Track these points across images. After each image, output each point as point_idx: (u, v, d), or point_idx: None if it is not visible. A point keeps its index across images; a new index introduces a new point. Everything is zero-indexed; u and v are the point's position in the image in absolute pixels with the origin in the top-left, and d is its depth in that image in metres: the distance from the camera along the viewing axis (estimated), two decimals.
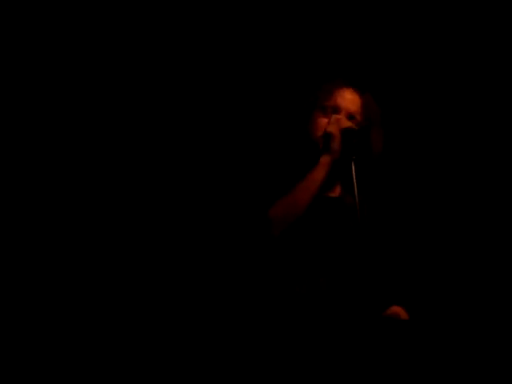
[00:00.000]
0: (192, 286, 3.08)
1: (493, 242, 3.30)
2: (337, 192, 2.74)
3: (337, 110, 2.68)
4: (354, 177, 2.53)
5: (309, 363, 2.40)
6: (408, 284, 2.67)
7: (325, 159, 2.61)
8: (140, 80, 3.25)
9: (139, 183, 3.18)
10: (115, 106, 3.21)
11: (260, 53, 3.34)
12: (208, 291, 3.05)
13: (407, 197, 3.27)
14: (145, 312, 3.05)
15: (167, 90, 3.29)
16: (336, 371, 2.39)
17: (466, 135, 3.39)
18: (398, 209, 2.83)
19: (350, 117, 2.68)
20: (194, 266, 3.13)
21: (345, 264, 2.59)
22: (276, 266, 2.56)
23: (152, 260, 3.12)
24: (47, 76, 3.16)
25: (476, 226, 3.32)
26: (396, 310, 2.59)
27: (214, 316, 2.91)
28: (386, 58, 3.40)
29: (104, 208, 3.13)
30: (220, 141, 3.28)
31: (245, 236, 2.58)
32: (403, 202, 3.12)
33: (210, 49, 3.31)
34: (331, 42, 3.37)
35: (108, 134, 3.19)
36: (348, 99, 2.72)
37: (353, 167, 2.55)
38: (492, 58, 3.37)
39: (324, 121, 2.68)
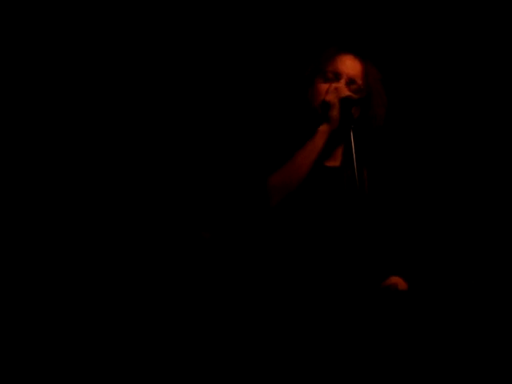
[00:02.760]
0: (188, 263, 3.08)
1: (494, 213, 3.29)
2: (337, 162, 2.71)
3: (337, 75, 2.66)
4: (353, 146, 2.50)
5: (306, 335, 2.41)
6: (407, 255, 2.66)
7: (323, 128, 2.59)
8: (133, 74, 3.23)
9: (135, 162, 3.18)
10: (110, 102, 3.19)
11: (261, 20, 3.31)
12: (203, 269, 3.05)
13: (408, 166, 3.25)
14: (139, 299, 3.04)
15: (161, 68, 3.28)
16: (335, 341, 2.40)
17: (469, 109, 3.35)
18: (398, 178, 2.80)
19: (351, 81, 2.65)
20: (188, 238, 3.12)
21: (343, 234, 2.58)
22: (273, 237, 2.55)
23: (147, 237, 3.12)
24: (47, 76, 3.14)
25: (475, 198, 3.30)
26: (395, 280, 2.59)
27: (210, 295, 2.90)
28: (389, 25, 3.36)
29: (101, 200, 3.13)
30: (218, 109, 3.25)
31: (243, 206, 2.57)
32: (403, 172, 3.10)
33: (207, 20, 3.27)
34: (333, 9, 3.32)
35: (103, 129, 3.18)
36: (349, 64, 2.69)
37: (351, 136, 2.52)
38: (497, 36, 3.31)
39: (324, 87, 2.66)
